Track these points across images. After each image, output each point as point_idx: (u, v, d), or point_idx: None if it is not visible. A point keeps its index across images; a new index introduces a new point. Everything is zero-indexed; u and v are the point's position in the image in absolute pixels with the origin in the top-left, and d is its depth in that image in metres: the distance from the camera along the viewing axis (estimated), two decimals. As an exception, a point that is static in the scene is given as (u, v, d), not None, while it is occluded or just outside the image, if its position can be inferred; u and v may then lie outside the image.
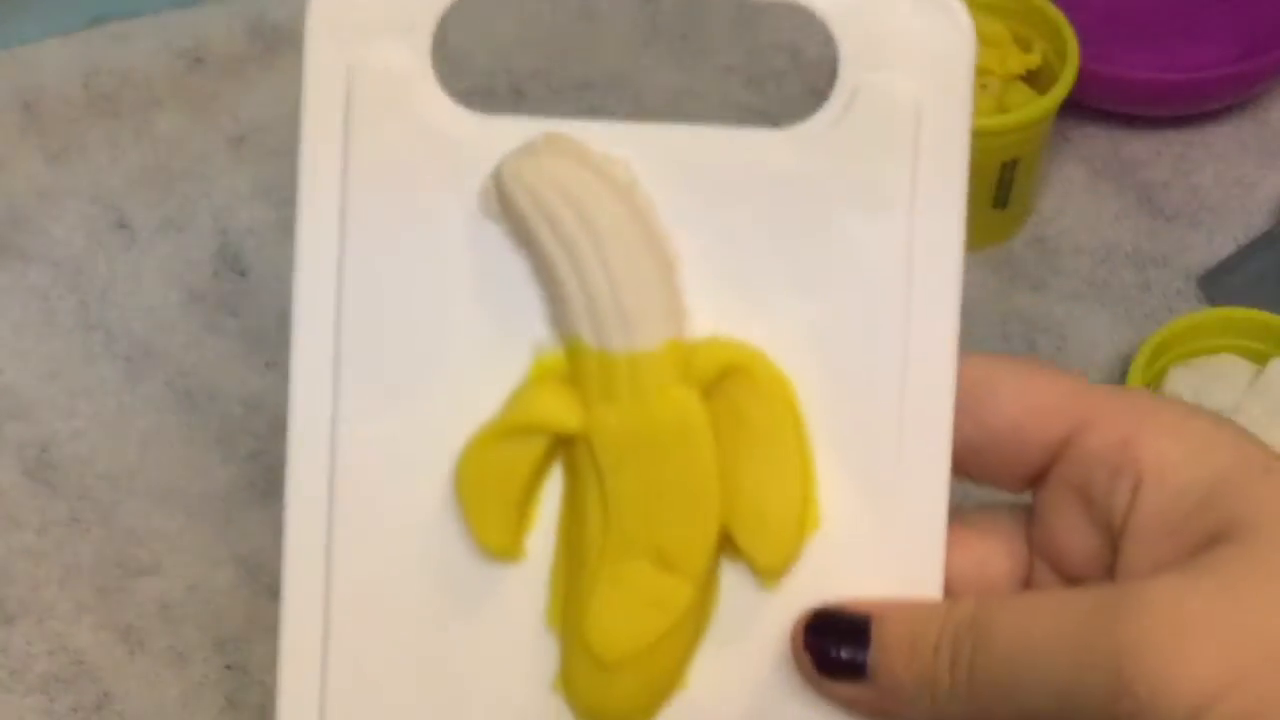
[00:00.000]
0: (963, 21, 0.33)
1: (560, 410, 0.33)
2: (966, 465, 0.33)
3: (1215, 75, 0.63)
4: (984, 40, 0.61)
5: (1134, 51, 0.65)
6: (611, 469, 0.33)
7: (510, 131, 0.33)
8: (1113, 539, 0.31)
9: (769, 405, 0.34)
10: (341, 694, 0.35)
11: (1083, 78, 0.59)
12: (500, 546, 0.34)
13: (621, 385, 0.33)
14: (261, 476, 0.57)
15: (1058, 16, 0.60)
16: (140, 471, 0.57)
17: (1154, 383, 0.58)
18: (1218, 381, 0.57)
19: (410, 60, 0.34)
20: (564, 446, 0.34)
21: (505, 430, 0.33)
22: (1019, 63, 0.60)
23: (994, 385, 0.33)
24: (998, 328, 0.61)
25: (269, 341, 0.62)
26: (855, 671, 0.32)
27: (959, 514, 0.34)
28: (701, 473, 0.33)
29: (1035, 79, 0.61)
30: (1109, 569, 0.32)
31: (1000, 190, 0.60)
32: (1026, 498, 0.35)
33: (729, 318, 0.34)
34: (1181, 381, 0.57)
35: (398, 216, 0.34)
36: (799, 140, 0.34)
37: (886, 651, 0.32)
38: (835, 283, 0.34)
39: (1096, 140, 0.66)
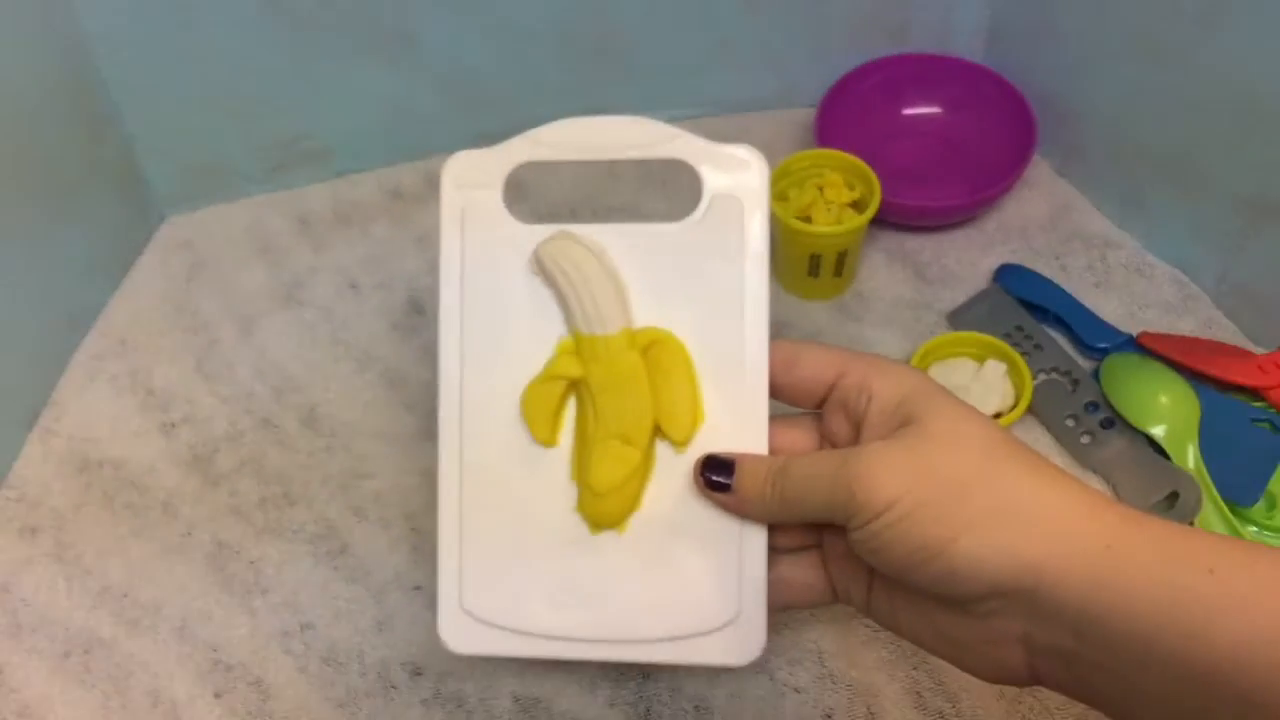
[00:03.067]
0: (760, 165, 0.44)
1: (571, 367, 0.45)
2: (786, 397, 0.45)
3: (955, 204, 0.69)
4: (829, 184, 0.68)
5: (911, 190, 0.71)
6: (597, 394, 0.44)
7: (541, 232, 0.45)
8: (858, 429, 0.42)
9: (675, 359, 0.45)
10: (472, 520, 0.46)
11: (883, 205, 0.66)
12: (545, 439, 0.45)
13: (600, 352, 0.44)
14: (430, 425, 0.56)
15: (869, 171, 0.66)
16: (364, 421, 0.65)
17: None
18: (956, 373, 0.64)
19: (492, 200, 0.46)
20: (574, 386, 0.45)
21: (544, 379, 0.45)
22: (847, 196, 0.68)
23: (799, 355, 0.44)
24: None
25: (435, 352, 0.59)
26: (725, 488, 0.44)
27: (785, 419, 0.45)
28: (642, 393, 0.44)
29: (857, 205, 0.67)
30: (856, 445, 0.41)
31: (837, 267, 0.68)
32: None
33: (653, 317, 0.45)
34: (937, 374, 0.63)
35: (489, 277, 0.46)
36: (686, 226, 0.45)
37: (741, 478, 0.43)
38: (706, 298, 0.45)
39: (890, 239, 0.72)
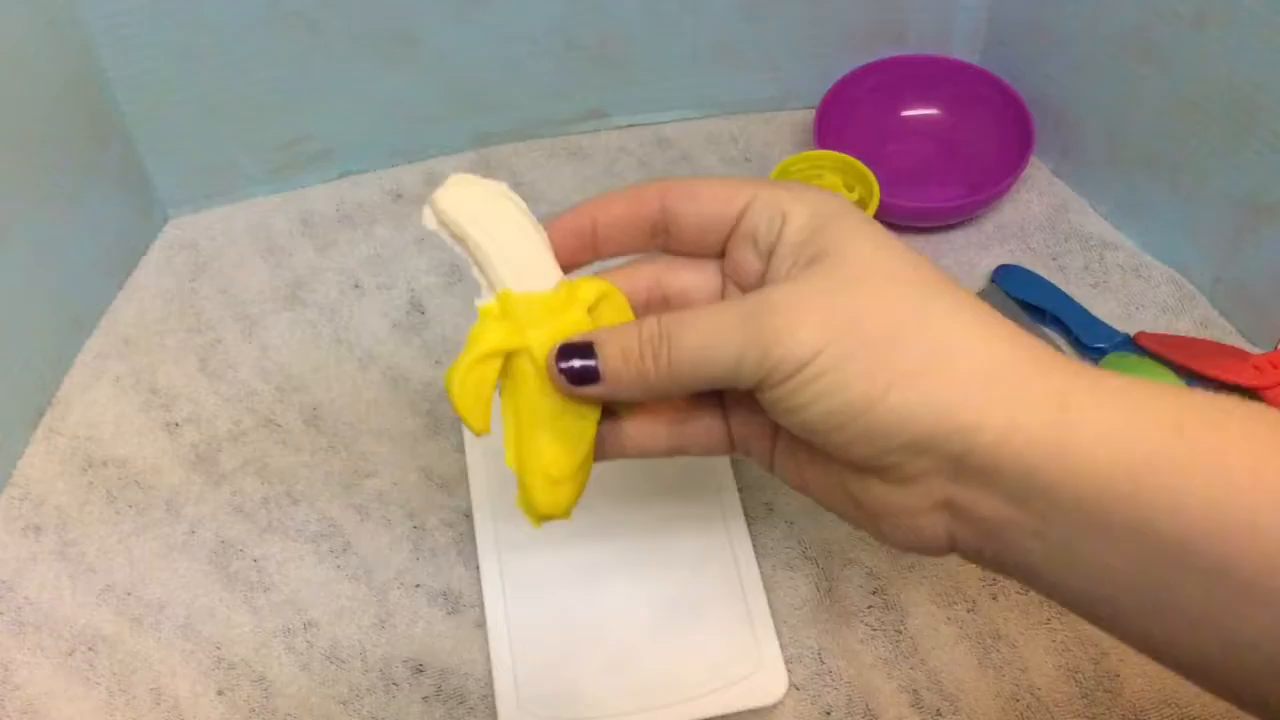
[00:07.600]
0: None
1: (509, 338, 0.38)
2: (692, 246, 0.39)
3: (953, 205, 0.70)
4: (828, 185, 0.67)
5: (909, 191, 0.72)
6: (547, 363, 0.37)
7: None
8: (767, 262, 0.37)
9: (625, 310, 0.41)
10: (520, 633, 0.55)
11: (882, 206, 0.67)
12: (482, 430, 0.39)
13: (542, 313, 0.38)
14: (432, 423, 0.64)
15: (868, 172, 0.67)
16: (366, 420, 0.65)
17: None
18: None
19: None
20: (508, 361, 0.38)
21: (478, 358, 0.37)
22: (846, 197, 0.62)
23: (698, 187, 0.39)
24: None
25: (436, 350, 0.68)
26: (593, 378, 0.37)
27: (685, 261, 0.40)
28: None
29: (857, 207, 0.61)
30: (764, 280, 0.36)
31: (838, 267, 0.64)
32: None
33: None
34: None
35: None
36: None
37: (608, 360, 0.36)
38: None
39: (889, 240, 0.69)
